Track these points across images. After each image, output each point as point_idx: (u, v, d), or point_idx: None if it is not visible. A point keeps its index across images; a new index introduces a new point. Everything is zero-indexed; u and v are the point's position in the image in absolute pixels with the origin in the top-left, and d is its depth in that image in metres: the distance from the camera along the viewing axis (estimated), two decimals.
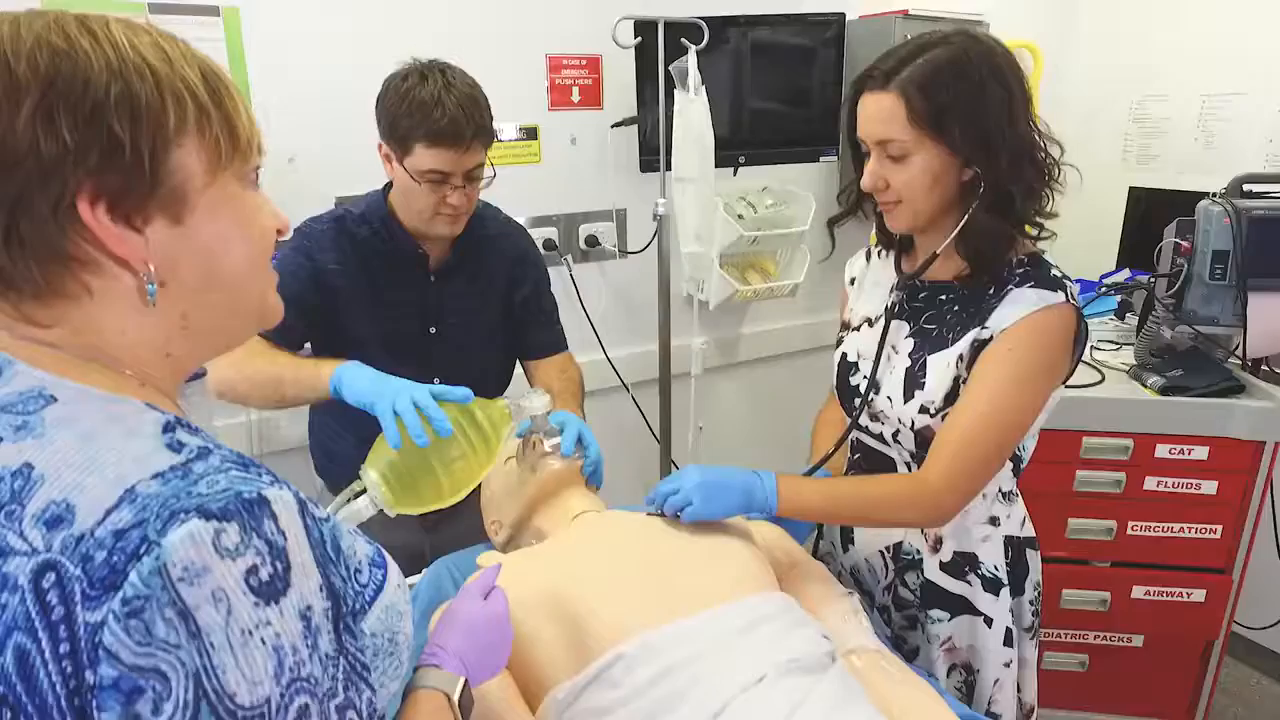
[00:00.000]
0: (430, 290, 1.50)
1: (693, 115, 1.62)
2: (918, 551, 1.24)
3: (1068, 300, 1.08)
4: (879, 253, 1.32)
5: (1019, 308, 1.08)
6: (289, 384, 1.31)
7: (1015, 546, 1.22)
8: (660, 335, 2.03)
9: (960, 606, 1.22)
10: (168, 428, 0.55)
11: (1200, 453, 1.77)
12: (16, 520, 0.49)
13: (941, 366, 1.13)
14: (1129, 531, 1.84)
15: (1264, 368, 1.94)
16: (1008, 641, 1.20)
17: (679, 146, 1.66)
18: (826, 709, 0.87)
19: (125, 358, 0.59)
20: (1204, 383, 1.79)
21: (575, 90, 2.23)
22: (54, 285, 0.55)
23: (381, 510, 1.02)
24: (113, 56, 0.53)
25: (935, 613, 1.23)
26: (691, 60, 1.60)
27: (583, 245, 2.34)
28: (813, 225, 2.39)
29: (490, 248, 1.55)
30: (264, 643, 0.50)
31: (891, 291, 1.24)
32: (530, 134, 2.21)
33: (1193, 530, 1.82)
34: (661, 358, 2.05)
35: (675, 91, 1.66)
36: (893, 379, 1.19)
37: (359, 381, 1.21)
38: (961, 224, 1.10)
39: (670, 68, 1.64)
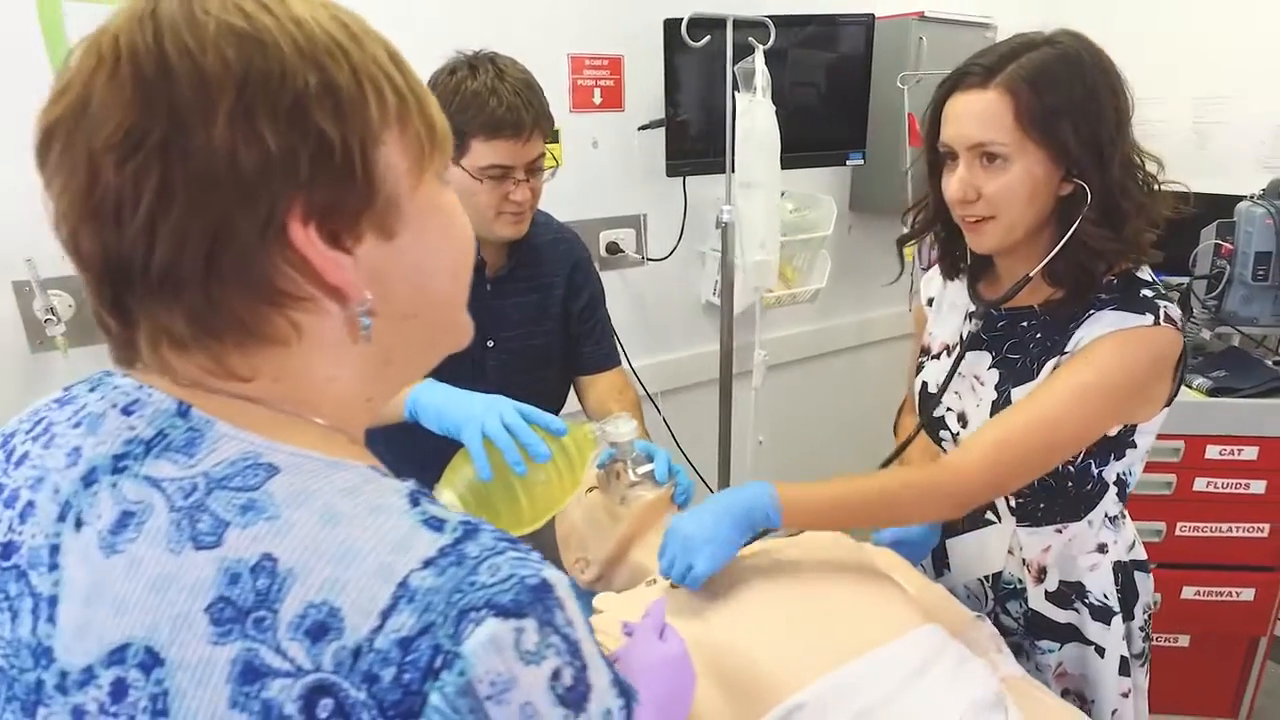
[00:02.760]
0: (487, 300, 1.40)
1: (759, 116, 1.55)
2: (1020, 581, 1.18)
3: (1158, 322, 0.99)
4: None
5: (1097, 328, 1.01)
6: None
7: (1124, 571, 1.16)
8: (723, 348, 1.95)
9: (1069, 635, 1.17)
10: (414, 499, 0.45)
11: (1250, 453, 1.78)
12: (270, 630, 0.39)
13: None
14: (1178, 533, 1.85)
15: None
16: (1124, 670, 1.15)
17: (744, 150, 1.59)
18: None
19: (327, 408, 0.49)
20: (1250, 383, 1.81)
21: (597, 92, 2.15)
22: (259, 328, 0.44)
23: None
24: (299, 36, 0.43)
25: (1044, 643, 1.18)
26: (759, 60, 1.53)
27: (604, 252, 2.25)
28: (834, 231, 2.36)
29: (548, 253, 1.46)
30: None
31: (968, 319, 1.17)
32: (552, 137, 2.11)
33: (1241, 530, 1.84)
34: (723, 368, 1.97)
35: (736, 93, 1.59)
36: (980, 412, 1.13)
37: (438, 401, 1.11)
38: (1067, 237, 1.00)
39: (736, 68, 1.57)
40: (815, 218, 2.36)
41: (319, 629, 0.39)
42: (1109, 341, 1.00)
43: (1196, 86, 2.67)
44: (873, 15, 2.13)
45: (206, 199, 0.41)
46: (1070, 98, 0.97)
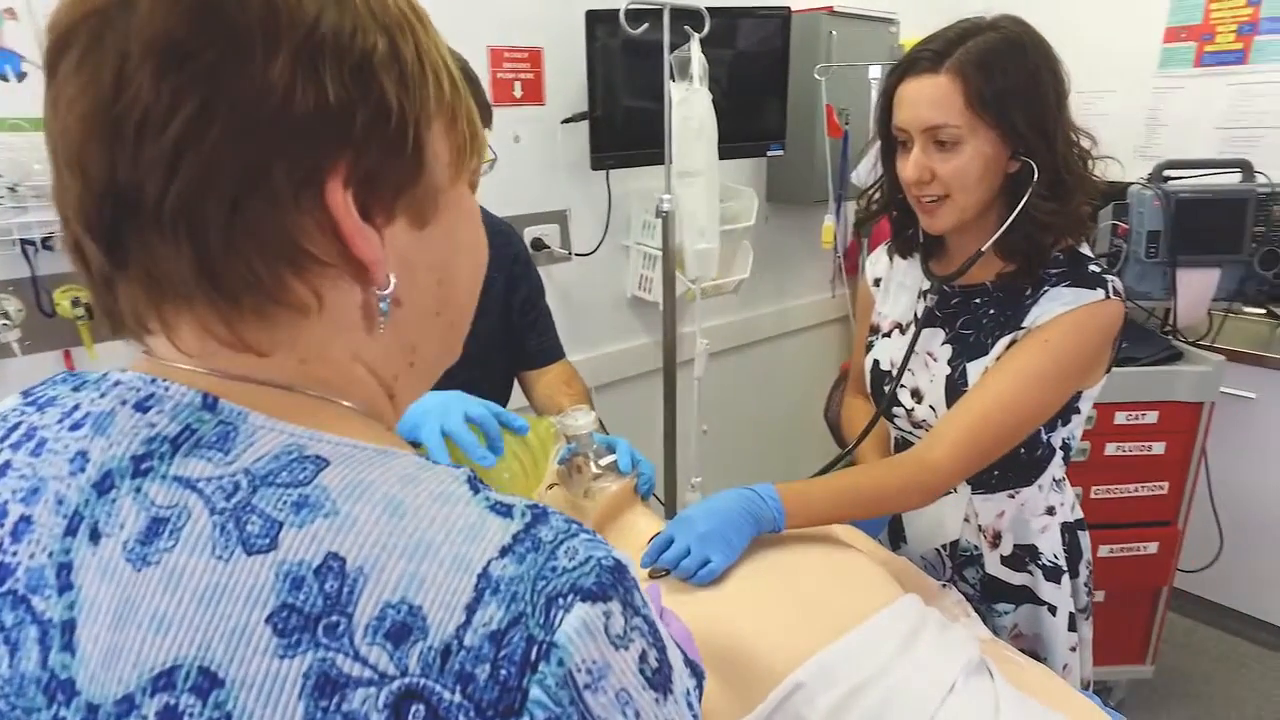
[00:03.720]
0: None
1: (696, 105, 1.55)
2: (975, 548, 1.23)
3: (1108, 296, 1.05)
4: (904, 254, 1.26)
5: (1055, 305, 1.05)
6: None
7: (1070, 531, 1.23)
8: (665, 338, 1.94)
9: (1024, 596, 1.22)
10: (473, 484, 0.42)
11: (1151, 417, 1.92)
12: (345, 636, 0.35)
13: (981, 373, 1.10)
14: (1093, 495, 1.96)
15: (1179, 338, 2.13)
16: (1071, 626, 1.22)
17: (681, 139, 1.59)
18: (1026, 712, 0.84)
19: (355, 392, 0.45)
20: (1149, 352, 1.94)
21: (517, 85, 2.10)
22: (276, 291, 0.40)
23: None
24: (375, 5, 0.41)
25: (1000, 605, 1.23)
26: (695, 49, 1.53)
27: (529, 249, 2.21)
28: (756, 222, 2.39)
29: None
30: None
31: (922, 296, 1.20)
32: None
33: (1145, 489, 1.97)
34: (666, 361, 1.96)
35: (670, 83, 1.58)
36: (934, 388, 1.16)
37: None
38: (1016, 212, 1.05)
39: (671, 56, 1.57)
40: (738, 209, 2.38)
41: (401, 630, 0.35)
42: (1067, 320, 1.05)
43: (1079, 82, 2.86)
44: (789, 8, 2.17)
45: (248, 134, 0.37)
46: (1017, 80, 1.01)
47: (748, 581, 0.95)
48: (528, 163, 2.16)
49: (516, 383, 1.55)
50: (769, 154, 2.31)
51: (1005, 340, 1.09)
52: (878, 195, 1.18)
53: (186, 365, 0.42)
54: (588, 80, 2.02)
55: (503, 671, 0.35)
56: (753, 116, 2.26)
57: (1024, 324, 1.08)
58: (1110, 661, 2.13)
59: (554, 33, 2.07)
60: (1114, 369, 1.89)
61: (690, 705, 0.43)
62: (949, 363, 1.15)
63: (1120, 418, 1.91)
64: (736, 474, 2.24)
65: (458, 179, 0.47)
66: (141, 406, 0.41)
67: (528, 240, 2.20)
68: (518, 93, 2.11)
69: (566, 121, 2.10)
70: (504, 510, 0.40)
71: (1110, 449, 1.94)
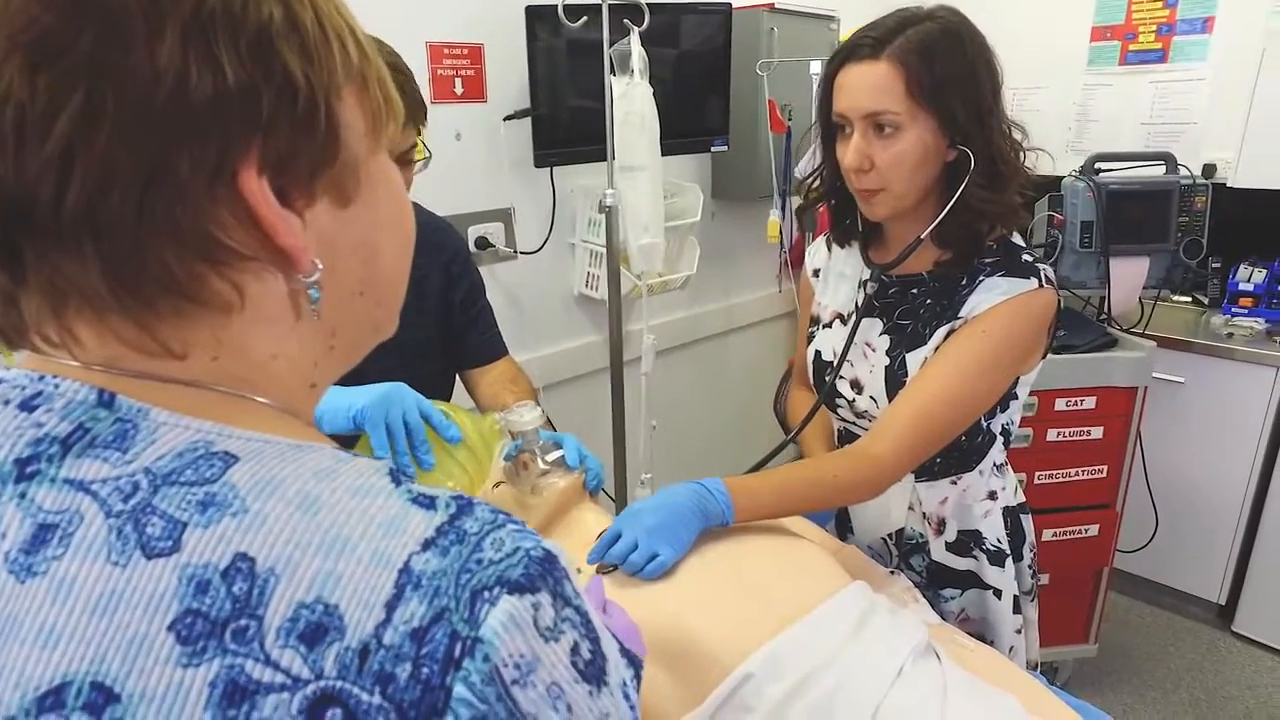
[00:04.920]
0: None
1: (636, 99, 1.54)
2: (921, 535, 1.24)
3: (1041, 285, 1.07)
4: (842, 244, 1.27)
5: (991, 295, 1.06)
6: None
7: (1012, 515, 1.25)
8: (612, 335, 1.93)
9: (969, 581, 1.24)
10: (394, 476, 0.40)
11: (1089, 402, 1.97)
12: (255, 641, 0.33)
13: (920, 363, 1.12)
14: (1036, 481, 2.01)
15: (1114, 325, 2.19)
16: (1016, 609, 1.24)
17: (623, 134, 1.58)
18: (973, 693, 0.85)
19: (271, 390, 0.43)
20: (1086, 340, 1.99)
21: (458, 82, 2.07)
22: (196, 290, 0.38)
23: None
24: None
25: (946, 591, 1.24)
26: (635, 42, 1.52)
27: (473, 247, 2.17)
28: (702, 216, 2.40)
29: (422, 244, 1.38)
30: None
31: (862, 286, 1.21)
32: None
33: (1086, 473, 2.03)
34: (614, 357, 1.94)
35: (611, 78, 1.57)
36: (874, 378, 1.17)
37: (337, 398, 1.03)
38: (954, 200, 1.06)
39: (611, 51, 1.55)
40: (683, 205, 2.38)
41: (315, 631, 0.33)
42: (1002, 310, 1.06)
43: (1013, 78, 2.93)
44: (730, 4, 2.18)
45: (144, 130, 0.34)
46: (955, 69, 1.02)
47: (696, 575, 0.94)
48: (470, 160, 2.13)
49: (460, 381, 1.52)
50: (713, 149, 2.32)
51: (943, 330, 1.10)
52: (817, 183, 1.19)
53: (79, 362, 0.39)
54: (529, 77, 2.00)
55: (425, 670, 0.33)
56: (696, 112, 2.26)
57: (960, 314, 1.09)
58: (1056, 642, 2.18)
59: (495, 29, 2.04)
60: (1052, 356, 1.96)
61: (627, 696, 0.42)
62: (888, 353, 1.16)
63: (1060, 404, 1.96)
64: (688, 469, 2.23)
65: (376, 148, 0.44)
66: (27, 405, 0.38)
67: (471, 239, 2.16)
68: (458, 89, 2.08)
69: (509, 118, 2.08)
70: (427, 502, 0.39)
71: (1052, 435, 1.98)
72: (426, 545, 0.36)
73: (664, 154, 2.29)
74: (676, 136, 2.26)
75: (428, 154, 1.27)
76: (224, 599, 0.33)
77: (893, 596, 1.10)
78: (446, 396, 1.50)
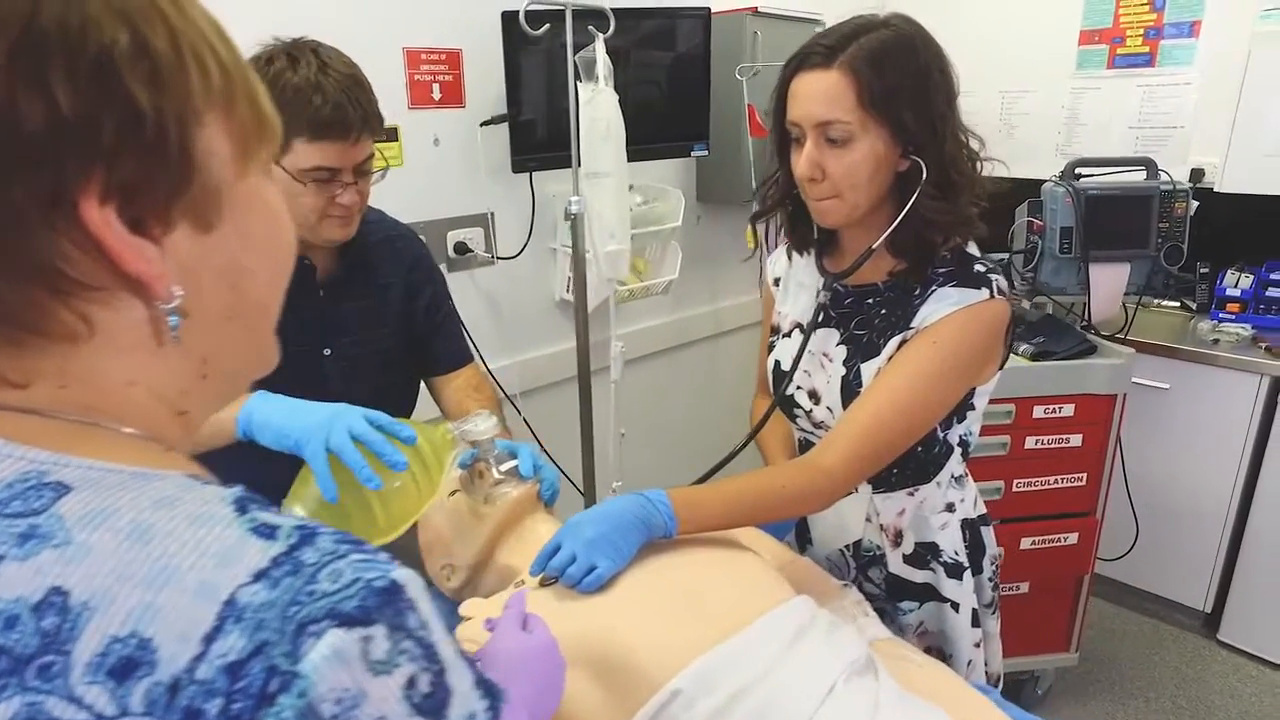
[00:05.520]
0: (321, 306, 1.31)
1: (602, 106, 1.54)
2: (878, 548, 1.23)
3: (992, 295, 1.06)
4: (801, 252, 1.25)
5: (942, 305, 1.05)
6: None
7: (971, 528, 1.24)
8: (579, 341, 1.93)
9: (927, 594, 1.23)
10: (241, 505, 0.39)
11: (1068, 410, 1.95)
12: (59, 677, 0.33)
13: (874, 374, 1.11)
14: (1014, 489, 2.00)
15: (1094, 331, 2.17)
16: (975, 622, 1.23)
17: (588, 140, 1.57)
18: (905, 710, 0.84)
19: (132, 417, 0.42)
20: (1065, 346, 1.98)
21: (436, 88, 2.07)
22: (38, 321, 0.37)
23: None
24: None
25: (904, 604, 1.23)
26: (599, 49, 1.51)
27: (452, 253, 2.17)
28: (684, 221, 2.39)
29: (383, 253, 1.39)
30: None
31: (817, 295, 1.19)
32: (390, 135, 2.01)
33: (1065, 480, 2.01)
34: (580, 363, 1.94)
35: (578, 84, 1.57)
36: (830, 389, 1.16)
37: (275, 416, 1.03)
38: (906, 210, 1.05)
39: (576, 57, 1.55)
40: (663, 209, 2.38)
41: (125, 666, 0.33)
42: (954, 320, 1.05)
43: (1001, 82, 2.93)
44: (709, 9, 2.17)
45: None
46: (907, 78, 1.01)
47: (634, 588, 0.94)
48: (449, 166, 2.13)
49: (426, 389, 1.52)
50: (693, 154, 2.31)
51: (895, 340, 1.09)
52: (773, 190, 1.18)
53: None
54: (506, 82, 1.99)
55: (235, 705, 0.33)
56: (675, 117, 2.25)
57: (912, 324, 1.08)
58: (1036, 651, 2.17)
59: (474, 35, 2.04)
60: (1030, 363, 1.95)
61: None
62: (844, 363, 1.15)
63: (1039, 411, 1.95)
64: (669, 477, 2.23)
65: (246, 172, 0.44)
66: None
67: (450, 244, 2.17)
68: (437, 95, 2.07)
69: (486, 124, 2.07)
70: (267, 532, 0.38)
71: (1030, 443, 1.97)
72: (258, 576, 0.36)
73: (643, 159, 2.30)
74: (655, 141, 2.26)
75: (385, 164, 1.26)
76: (31, 634, 0.33)
77: (843, 610, 1.09)
78: (411, 404, 1.50)
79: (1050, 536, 2.04)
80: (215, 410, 0.50)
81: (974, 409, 1.17)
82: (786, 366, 1.23)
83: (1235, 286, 2.47)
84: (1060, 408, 1.95)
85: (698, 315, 2.84)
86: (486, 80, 2.08)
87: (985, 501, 1.96)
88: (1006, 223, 2.07)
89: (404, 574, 0.40)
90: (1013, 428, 1.95)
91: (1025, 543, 2.02)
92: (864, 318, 1.15)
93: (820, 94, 1.02)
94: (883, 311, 1.13)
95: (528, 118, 2.01)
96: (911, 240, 1.08)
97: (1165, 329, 2.48)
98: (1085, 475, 2.01)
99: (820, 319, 1.18)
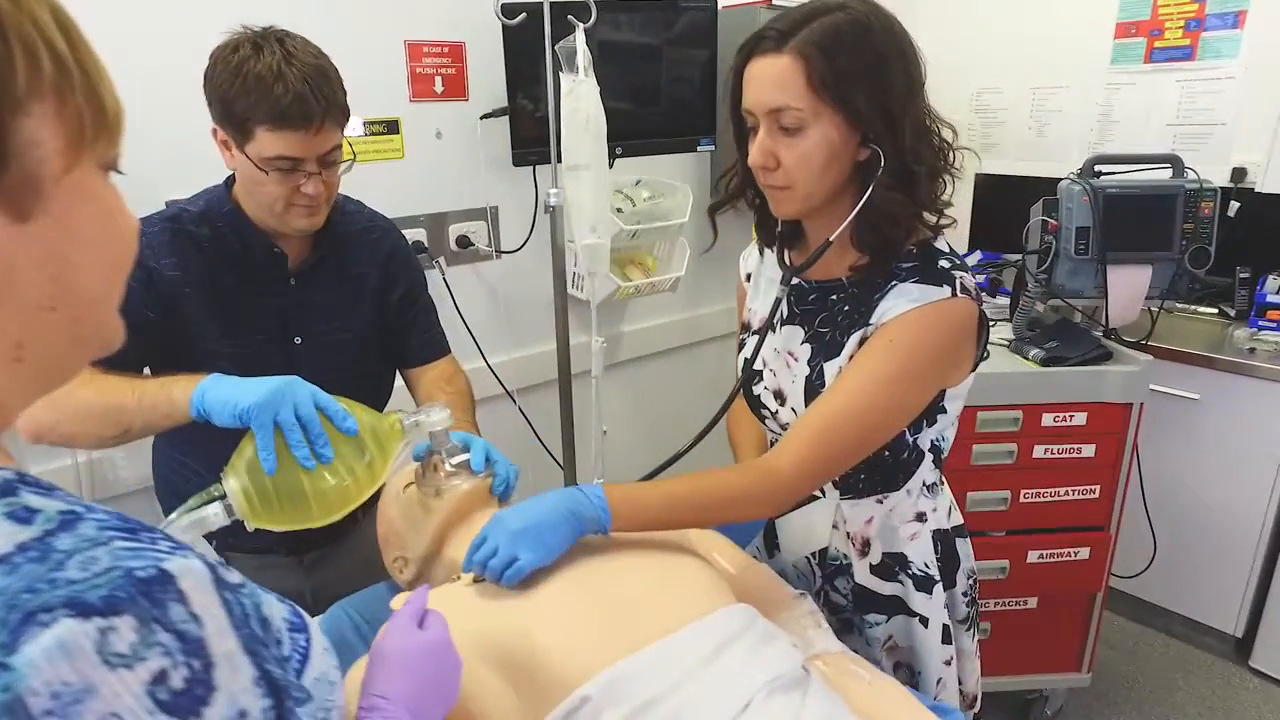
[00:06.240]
0: (291, 295, 1.31)
1: (583, 97, 1.51)
2: (845, 556, 1.18)
3: (955, 294, 1.00)
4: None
5: (901, 302, 1.00)
6: (132, 412, 1.08)
7: (944, 539, 1.17)
8: (559, 336, 1.90)
9: (895, 607, 1.17)
10: (6, 489, 0.38)
11: (1080, 418, 1.86)
12: None
13: (835, 374, 1.05)
14: (1021, 500, 1.91)
15: (1114, 336, 2.07)
16: (946, 639, 1.16)
17: (569, 132, 1.55)
18: None
19: None
20: (1078, 352, 1.89)
21: (438, 80, 2.07)
22: None
23: (239, 522, 0.91)
24: None
25: (871, 616, 1.18)
26: (580, 39, 1.49)
27: (454, 246, 2.17)
28: (691, 217, 2.35)
29: (357, 244, 1.38)
30: None
31: (777, 290, 1.14)
32: (391, 127, 2.02)
33: (1076, 492, 1.92)
34: (560, 360, 1.92)
35: (560, 74, 1.54)
36: (795, 389, 1.11)
37: (227, 391, 1.03)
38: (862, 202, 1.00)
39: (557, 47, 1.52)
40: (671, 205, 2.35)
41: None
42: (911, 318, 1.00)
43: (1033, 77, 2.82)
44: (716, 1, 2.13)
45: None
46: (860, 62, 0.96)
47: (560, 589, 0.91)
48: (451, 159, 2.13)
49: (401, 380, 1.51)
50: (699, 149, 2.27)
51: (856, 337, 1.04)
52: (733, 180, 1.14)
53: None
54: (506, 75, 1.98)
55: None
56: (681, 111, 2.21)
57: (871, 320, 1.03)
58: (1045, 669, 2.08)
59: (477, 27, 2.03)
60: (1040, 369, 1.87)
61: None
62: (808, 362, 1.10)
63: (1048, 419, 1.86)
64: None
65: (75, 164, 0.43)
66: None
67: (452, 238, 2.16)
68: (439, 88, 2.07)
69: (485, 117, 2.07)
70: (24, 516, 0.37)
71: (1038, 451, 1.88)
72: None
73: (648, 154, 2.27)
74: (661, 135, 2.23)
75: (353, 154, 1.25)
76: None
77: (792, 620, 1.05)
78: (386, 394, 1.50)
79: (1060, 551, 1.94)
80: (37, 396, 0.48)
81: (945, 413, 1.11)
82: (757, 365, 1.19)
83: (1277, 293, 2.33)
84: (1071, 416, 1.86)
85: (711, 313, 2.80)
86: (489, 73, 2.07)
87: (992, 514, 1.91)
88: (1021, 221, 1.98)
89: (182, 565, 0.38)
90: (1020, 435, 1.86)
91: (1032, 556, 1.93)
92: (827, 314, 1.10)
93: (770, 79, 0.98)
94: (845, 308, 1.08)
95: (530, 111, 1.99)
96: (870, 234, 1.03)
97: (1197, 336, 2.36)
98: (1098, 488, 1.92)
99: (785, 316, 1.13)
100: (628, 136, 2.18)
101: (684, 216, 2.33)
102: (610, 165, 2.23)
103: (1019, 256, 2.06)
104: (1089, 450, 1.88)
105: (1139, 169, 1.96)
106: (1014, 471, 1.89)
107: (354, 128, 1.93)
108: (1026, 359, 1.92)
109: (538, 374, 2.34)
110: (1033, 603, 2.00)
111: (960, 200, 2.96)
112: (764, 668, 0.84)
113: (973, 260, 2.71)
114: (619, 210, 2.27)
